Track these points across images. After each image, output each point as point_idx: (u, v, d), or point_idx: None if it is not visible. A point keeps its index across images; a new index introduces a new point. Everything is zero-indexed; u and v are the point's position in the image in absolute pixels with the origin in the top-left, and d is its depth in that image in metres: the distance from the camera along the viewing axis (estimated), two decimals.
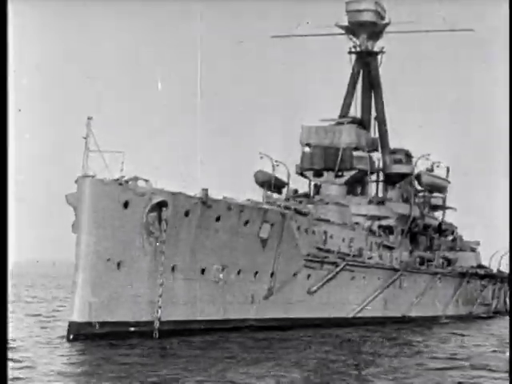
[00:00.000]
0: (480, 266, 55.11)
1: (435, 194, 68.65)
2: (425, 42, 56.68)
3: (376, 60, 55.14)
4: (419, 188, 65.61)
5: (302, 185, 52.74)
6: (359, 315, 38.12)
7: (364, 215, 46.63)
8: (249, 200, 33.34)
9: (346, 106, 54.43)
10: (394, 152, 54.54)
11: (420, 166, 61.68)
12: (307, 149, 48.91)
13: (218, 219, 29.93)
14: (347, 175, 48.08)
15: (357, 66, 54.96)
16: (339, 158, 47.58)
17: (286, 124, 52.77)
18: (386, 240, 45.66)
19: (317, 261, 34.95)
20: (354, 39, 54.76)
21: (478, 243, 61.36)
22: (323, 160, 48.26)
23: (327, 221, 37.80)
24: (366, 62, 54.93)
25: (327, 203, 44.17)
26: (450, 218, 68.70)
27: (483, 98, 70.73)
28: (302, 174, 50.26)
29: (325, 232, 36.10)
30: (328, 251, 36.05)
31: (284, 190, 50.10)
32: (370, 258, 39.22)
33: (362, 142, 48.42)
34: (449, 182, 56.41)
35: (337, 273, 36.15)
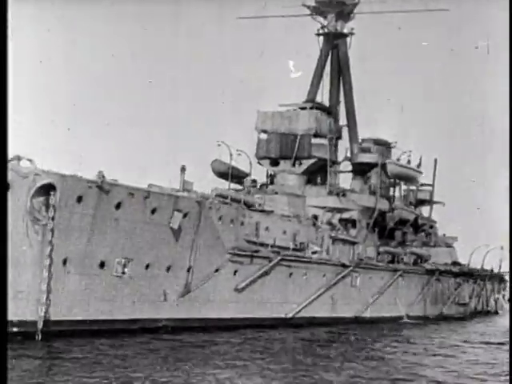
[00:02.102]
0: (455, 263, 51.28)
1: (422, 188, 65.33)
2: (398, 23, 52.87)
3: (345, 42, 51.52)
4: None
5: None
6: (300, 315, 34.47)
7: (323, 207, 43.11)
8: (185, 190, 29.77)
9: (313, 91, 50.93)
10: (363, 141, 51.06)
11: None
12: (263, 136, 45.45)
13: (118, 206, 26.48)
14: (305, 164, 44.55)
15: (325, 49, 51.41)
16: (296, 146, 44.07)
17: (248, 110, 49.06)
18: (346, 234, 42.06)
19: (245, 255, 31.36)
20: (322, 19, 51.22)
21: (454, 239, 57.71)
22: (279, 148, 44.76)
23: (266, 212, 34.23)
24: (335, 45, 51.39)
25: (276, 193, 40.75)
26: (438, 213, 65.74)
27: (466, 84, 66.91)
28: (259, 163, 46.92)
29: (257, 223, 32.47)
30: (261, 244, 32.48)
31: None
32: (314, 253, 35.50)
33: (322, 129, 44.76)
34: (421, 173, 52.55)
35: (270, 268, 32.54)
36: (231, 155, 45.54)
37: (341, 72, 51.10)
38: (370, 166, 48.45)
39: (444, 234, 64.23)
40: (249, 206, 35.76)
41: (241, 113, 50.18)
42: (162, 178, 32.76)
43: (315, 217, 42.68)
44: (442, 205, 66.51)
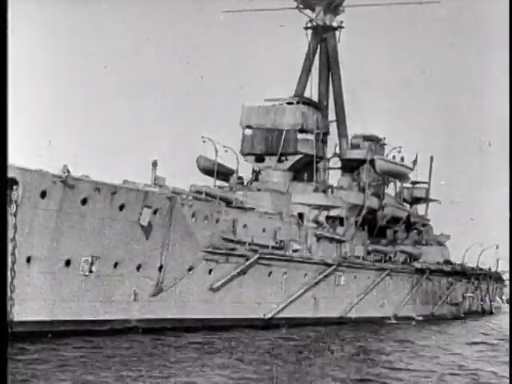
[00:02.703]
0: (447, 262, 50.03)
1: (418, 186, 64.22)
2: (389, 17, 51.74)
3: (334, 36, 50.36)
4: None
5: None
6: (280, 316, 33.29)
7: (309, 204, 41.96)
8: (156, 185, 28.60)
9: (301, 85, 49.80)
10: (353, 137, 49.92)
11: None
12: (248, 131, 44.30)
13: (84, 202, 25.42)
14: (291, 160, 43.40)
15: (313, 43, 50.27)
16: (282, 141, 42.91)
17: (236, 105, 47.69)
18: (332, 232, 40.90)
19: (220, 253, 30.23)
20: (309, 12, 50.03)
21: (447, 237, 56.53)
22: (264, 143, 43.61)
23: (244, 208, 33.12)
24: (323, 38, 50.24)
25: (259, 190, 39.68)
26: (434, 211, 64.59)
27: (463, 80, 65.80)
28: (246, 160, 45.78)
29: (234, 221, 31.32)
30: (238, 242, 31.34)
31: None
32: (295, 251, 34.34)
33: (309, 124, 43.57)
34: (411, 169, 51.33)
35: (247, 267, 31.39)
36: (217, 151, 44.42)
37: (330, 66, 50.01)
38: (359, 163, 47.34)
39: (442, 233, 63.09)
40: (228, 202, 34.76)
41: (228, 108, 49.09)
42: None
43: (301, 214, 41.62)
44: (439, 203, 65.43)
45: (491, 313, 58.34)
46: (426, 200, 63.71)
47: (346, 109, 51.37)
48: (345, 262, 37.58)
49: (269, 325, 32.30)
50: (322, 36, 49.99)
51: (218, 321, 30.26)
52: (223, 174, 45.41)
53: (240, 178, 45.65)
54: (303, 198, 41.76)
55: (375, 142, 50.41)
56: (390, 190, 58.63)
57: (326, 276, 36.05)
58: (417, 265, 45.45)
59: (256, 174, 44.44)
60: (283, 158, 43.31)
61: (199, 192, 32.24)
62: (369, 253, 43.99)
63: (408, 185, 63.45)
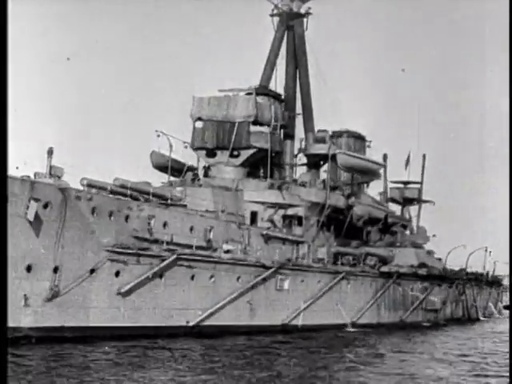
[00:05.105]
0: (422, 265, 46.47)
1: (410, 186, 61.15)
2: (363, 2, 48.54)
3: (302, 24, 47.20)
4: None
5: None
6: (207, 323, 30.12)
7: (263, 202, 38.88)
8: (52, 177, 25.65)
9: (266, 77, 46.70)
10: (318, 131, 46.73)
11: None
12: (199, 124, 41.25)
13: None
14: (244, 155, 40.28)
15: (279, 31, 47.16)
16: (234, 134, 39.83)
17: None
18: (285, 232, 37.74)
19: (129, 253, 27.16)
20: None
21: (426, 239, 53.16)
22: (216, 137, 40.56)
23: (164, 204, 30.12)
24: (290, 26, 47.10)
25: (200, 186, 36.71)
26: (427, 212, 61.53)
27: (439, 72, 62.42)
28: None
29: (150, 217, 28.21)
30: (155, 241, 28.26)
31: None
32: (227, 252, 31.13)
33: (264, 116, 40.43)
34: (381, 166, 47.87)
35: (163, 269, 28.26)
36: (171, 146, 41.82)
37: (296, 56, 46.83)
38: (324, 158, 44.12)
39: (434, 235, 59.70)
40: (166, 199, 31.92)
41: (187, 100, 46.14)
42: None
43: (254, 213, 38.61)
44: (432, 204, 62.15)
45: (478, 320, 54.77)
46: (418, 201, 60.53)
47: (322, 103, 48.31)
48: (288, 265, 34.29)
49: (193, 333, 29.20)
50: (289, 24, 46.93)
51: (128, 329, 27.22)
52: (178, 170, 42.59)
53: (195, 174, 42.72)
54: (257, 196, 38.75)
55: (355, 138, 47.69)
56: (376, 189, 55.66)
57: (265, 280, 32.82)
58: (383, 268, 42.07)
59: (205, 170, 41.42)
60: (236, 153, 40.29)
61: (124, 187, 29.55)
62: (340, 256, 40.77)
63: (399, 185, 60.51)
